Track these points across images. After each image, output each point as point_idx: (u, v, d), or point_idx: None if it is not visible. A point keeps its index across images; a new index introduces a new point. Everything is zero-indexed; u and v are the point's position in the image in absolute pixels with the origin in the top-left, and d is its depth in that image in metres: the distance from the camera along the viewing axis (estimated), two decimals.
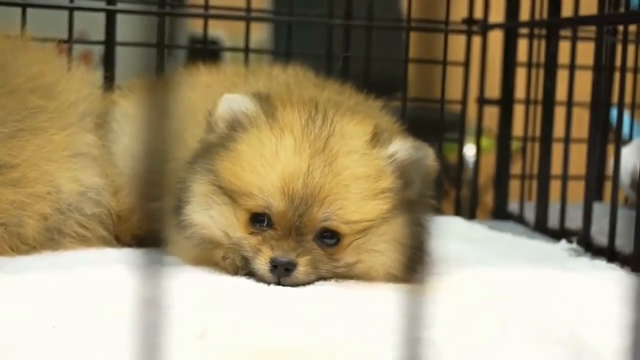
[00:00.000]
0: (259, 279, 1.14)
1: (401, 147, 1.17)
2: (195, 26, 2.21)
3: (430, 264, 1.23)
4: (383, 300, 1.06)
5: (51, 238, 1.31)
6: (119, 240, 1.40)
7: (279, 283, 1.13)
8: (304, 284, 1.14)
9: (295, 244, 1.12)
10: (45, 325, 0.92)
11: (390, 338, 0.63)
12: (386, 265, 1.17)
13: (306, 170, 1.11)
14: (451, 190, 2.26)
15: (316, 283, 1.16)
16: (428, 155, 1.18)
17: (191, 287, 1.12)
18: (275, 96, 1.22)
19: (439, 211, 1.39)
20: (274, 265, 1.12)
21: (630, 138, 1.94)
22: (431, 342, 0.91)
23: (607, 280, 1.25)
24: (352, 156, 1.14)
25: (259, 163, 1.13)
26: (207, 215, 1.18)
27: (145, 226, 1.39)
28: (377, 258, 1.16)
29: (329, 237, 1.14)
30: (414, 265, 1.18)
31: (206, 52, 1.81)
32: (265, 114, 1.17)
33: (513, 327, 1.00)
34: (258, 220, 1.15)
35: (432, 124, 1.87)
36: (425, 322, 0.97)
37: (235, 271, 1.17)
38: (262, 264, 1.13)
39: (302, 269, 1.12)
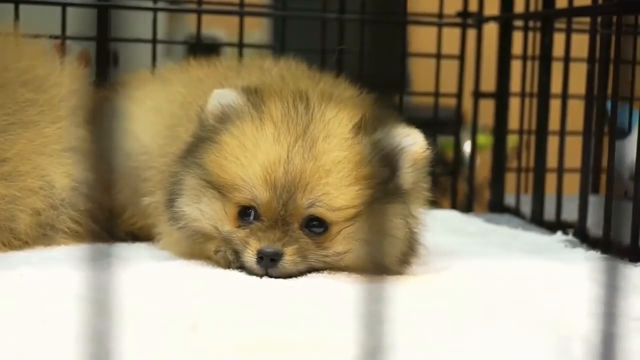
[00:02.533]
0: (249, 272, 1.14)
1: (387, 134, 1.14)
2: (193, 25, 2.21)
3: (424, 257, 1.22)
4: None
5: (44, 233, 1.31)
6: (113, 235, 1.39)
7: (267, 274, 1.12)
8: (292, 274, 1.13)
9: (282, 234, 1.12)
10: (34, 320, 0.92)
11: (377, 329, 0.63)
12: (377, 256, 1.16)
13: (286, 158, 1.11)
14: (448, 185, 2.26)
15: (308, 275, 1.15)
16: (417, 143, 1.15)
17: (182, 280, 1.12)
18: (264, 89, 1.21)
19: (435, 204, 1.37)
20: (261, 257, 1.11)
21: (629, 130, 1.93)
22: (418, 331, 0.92)
23: (598, 270, 1.24)
24: (333, 141, 1.13)
25: (242, 154, 1.13)
26: (197, 209, 1.18)
27: (138, 221, 1.39)
28: (368, 248, 1.15)
29: (317, 226, 1.13)
30: (406, 257, 1.17)
31: (203, 49, 1.80)
32: (251, 106, 1.17)
33: (504, 314, 1.01)
34: (246, 213, 1.15)
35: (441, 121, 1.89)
36: (410, 312, 0.97)
37: (227, 265, 1.17)
38: (249, 256, 1.12)
39: (288, 259, 1.12)
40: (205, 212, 1.17)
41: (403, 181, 1.16)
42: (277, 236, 1.12)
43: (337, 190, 1.11)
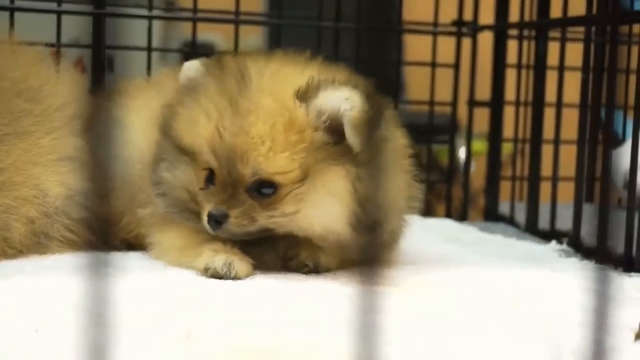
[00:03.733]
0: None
1: (325, 99, 1.16)
2: (189, 31, 2.21)
3: (385, 225, 1.21)
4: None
5: (38, 242, 1.30)
6: (108, 244, 1.39)
7: (217, 236, 1.20)
8: (239, 234, 1.19)
9: (228, 197, 1.17)
10: (28, 329, 0.92)
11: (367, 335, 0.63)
12: (325, 217, 1.18)
13: (221, 133, 1.16)
14: (443, 191, 2.26)
15: (303, 279, 1.18)
16: (354, 106, 1.14)
17: (176, 288, 1.12)
18: (226, 61, 1.26)
19: (429, 210, 1.38)
20: (209, 218, 1.18)
21: (623, 139, 1.94)
22: (411, 340, 0.92)
23: (591, 280, 1.24)
24: (264, 110, 1.16)
25: (192, 124, 1.20)
26: (173, 174, 1.25)
27: (134, 230, 1.39)
28: (315, 209, 1.18)
29: (267, 187, 1.17)
30: (361, 222, 1.16)
31: (197, 55, 1.80)
32: (204, 79, 1.23)
33: (496, 324, 1.01)
34: (209, 177, 1.21)
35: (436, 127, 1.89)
36: (403, 321, 0.98)
37: (219, 278, 1.19)
38: (204, 218, 1.19)
39: (233, 221, 1.17)
40: (178, 177, 1.24)
41: (351, 144, 1.16)
42: (223, 199, 1.18)
43: (270, 158, 1.15)
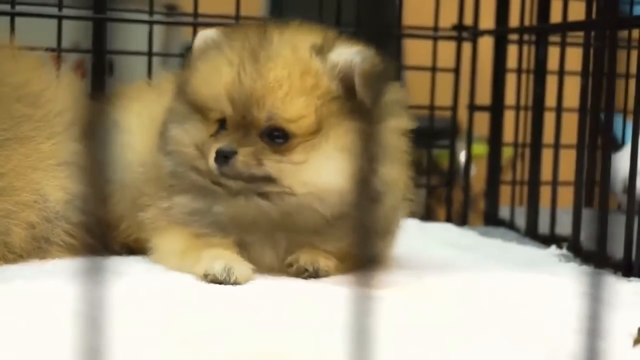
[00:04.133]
0: (210, 177, 1.23)
1: (341, 51, 1.21)
2: (190, 35, 2.21)
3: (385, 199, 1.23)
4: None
5: (38, 247, 1.31)
6: (108, 248, 1.40)
7: (222, 174, 1.20)
8: (244, 174, 1.19)
9: (240, 138, 1.20)
10: (27, 333, 0.92)
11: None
12: (332, 172, 1.20)
13: (241, 78, 1.20)
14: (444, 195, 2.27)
15: (302, 283, 1.20)
16: (365, 59, 1.19)
17: (174, 292, 1.13)
18: (246, 25, 1.35)
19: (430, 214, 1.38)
20: (218, 155, 1.20)
21: (623, 143, 1.94)
22: (408, 345, 0.92)
23: (590, 285, 1.24)
24: (281, 60, 1.20)
25: (209, 77, 1.24)
26: (183, 129, 1.27)
27: (134, 233, 1.39)
28: (323, 161, 1.20)
29: (279, 137, 1.20)
30: (365, 187, 1.17)
31: None
32: (223, 41, 1.27)
33: (494, 329, 1.01)
34: (222, 125, 1.23)
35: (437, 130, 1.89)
36: (400, 326, 0.98)
37: (219, 284, 1.19)
38: (211, 157, 1.20)
39: (241, 159, 1.19)
40: (188, 131, 1.26)
41: (361, 97, 1.19)
42: (235, 138, 1.20)
43: (287, 103, 1.19)
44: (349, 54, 1.20)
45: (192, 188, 1.27)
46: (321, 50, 1.22)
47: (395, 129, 1.28)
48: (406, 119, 1.30)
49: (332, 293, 1.15)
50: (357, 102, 1.20)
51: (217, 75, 1.23)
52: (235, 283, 1.18)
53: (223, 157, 1.19)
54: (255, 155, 1.20)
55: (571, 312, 1.06)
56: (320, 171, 1.20)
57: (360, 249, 0.61)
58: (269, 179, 1.20)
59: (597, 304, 0.69)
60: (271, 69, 1.20)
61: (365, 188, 1.15)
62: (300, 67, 1.20)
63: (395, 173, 1.25)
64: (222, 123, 1.23)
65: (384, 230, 1.29)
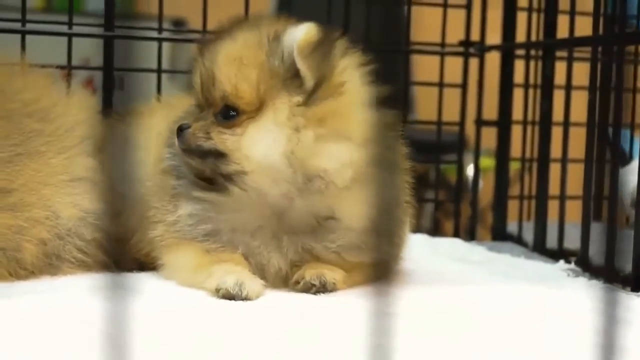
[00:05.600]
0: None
1: (290, 32, 1.25)
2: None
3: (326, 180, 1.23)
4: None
5: (50, 263, 1.31)
6: (119, 265, 1.40)
7: (182, 151, 1.29)
8: (192, 146, 1.27)
9: (199, 117, 1.29)
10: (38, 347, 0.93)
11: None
12: (265, 144, 1.23)
13: (204, 61, 1.30)
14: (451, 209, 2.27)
15: (313, 300, 1.21)
16: (302, 30, 1.24)
17: (188, 310, 1.13)
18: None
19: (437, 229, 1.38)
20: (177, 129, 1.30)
21: (631, 157, 1.94)
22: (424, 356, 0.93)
23: (600, 300, 1.24)
24: (238, 43, 1.28)
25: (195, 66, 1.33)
26: (185, 118, 1.33)
27: (145, 248, 1.40)
28: (258, 133, 1.24)
29: (229, 112, 1.26)
30: (301, 166, 1.22)
31: None
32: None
33: (503, 345, 1.01)
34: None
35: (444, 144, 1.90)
36: (411, 341, 0.98)
37: (231, 299, 1.20)
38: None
39: (190, 130, 1.28)
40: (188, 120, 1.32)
41: (303, 75, 1.23)
42: (194, 117, 1.30)
43: (231, 81, 1.25)
44: (294, 32, 1.24)
45: (189, 186, 1.31)
46: (277, 34, 1.26)
47: (357, 99, 1.27)
48: (368, 86, 1.28)
49: (343, 307, 1.15)
50: (300, 80, 1.23)
51: (198, 62, 1.32)
52: (247, 298, 1.19)
53: (180, 131, 1.28)
54: (204, 129, 1.27)
55: (584, 328, 1.07)
56: (255, 142, 1.24)
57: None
58: (218, 153, 1.25)
59: (610, 320, 0.69)
60: (226, 51, 1.28)
61: (299, 170, 1.20)
62: (251, 49, 1.26)
63: (353, 155, 1.24)
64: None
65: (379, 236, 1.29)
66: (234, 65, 1.26)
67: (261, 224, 1.27)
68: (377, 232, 1.27)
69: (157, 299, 1.18)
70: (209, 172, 1.28)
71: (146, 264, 1.39)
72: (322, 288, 1.25)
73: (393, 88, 1.81)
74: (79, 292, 1.18)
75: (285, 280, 1.28)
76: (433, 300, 1.24)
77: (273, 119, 1.23)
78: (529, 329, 1.10)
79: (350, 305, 1.18)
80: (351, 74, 1.27)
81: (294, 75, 1.24)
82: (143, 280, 1.30)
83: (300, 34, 1.23)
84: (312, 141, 1.22)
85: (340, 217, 1.26)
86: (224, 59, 1.27)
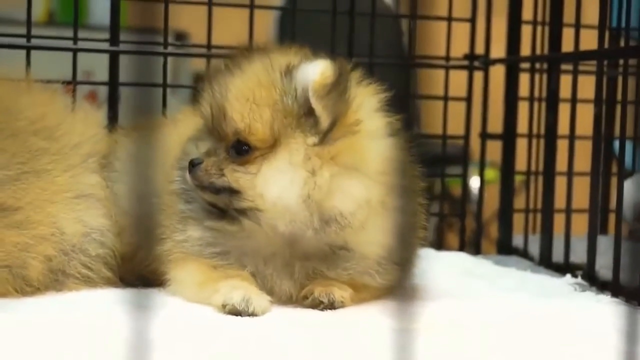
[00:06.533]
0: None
1: (303, 68, 1.22)
2: (199, 63, 2.22)
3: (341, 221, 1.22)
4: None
5: (55, 279, 1.31)
6: (124, 280, 1.40)
7: (195, 186, 1.27)
8: (205, 182, 1.25)
9: (210, 150, 1.27)
10: None
11: None
12: (280, 184, 1.21)
13: (214, 94, 1.27)
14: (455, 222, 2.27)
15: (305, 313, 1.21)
16: (317, 72, 1.20)
17: (195, 327, 1.13)
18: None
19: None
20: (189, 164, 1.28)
21: (633, 170, 1.94)
22: None
23: (608, 314, 1.24)
24: (249, 77, 1.25)
25: (204, 95, 1.31)
26: (195, 145, 1.32)
27: (149, 266, 1.39)
28: (272, 172, 1.22)
29: (244, 149, 1.24)
30: (316, 206, 1.21)
31: None
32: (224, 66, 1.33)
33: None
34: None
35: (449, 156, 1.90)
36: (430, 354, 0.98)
37: (237, 315, 1.20)
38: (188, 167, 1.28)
39: (203, 166, 1.25)
40: (200, 148, 1.31)
41: (317, 114, 1.21)
42: (206, 151, 1.27)
43: (245, 117, 1.23)
44: (305, 70, 1.22)
45: (203, 216, 1.29)
46: (289, 69, 1.23)
47: (372, 133, 1.26)
48: (383, 117, 1.28)
49: (354, 324, 1.15)
50: (314, 119, 1.21)
51: (207, 93, 1.29)
52: (253, 314, 1.19)
53: (192, 166, 1.26)
54: (217, 165, 1.25)
55: (591, 344, 1.07)
56: (269, 182, 1.22)
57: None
58: (232, 190, 1.24)
59: (626, 337, 0.69)
60: (237, 86, 1.25)
61: (314, 209, 1.19)
62: (264, 85, 1.23)
63: (370, 192, 1.23)
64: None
65: (393, 262, 1.29)
66: (247, 103, 1.23)
67: (273, 251, 1.27)
68: (392, 259, 1.29)
69: (163, 315, 1.17)
70: (221, 205, 1.27)
71: (151, 280, 1.39)
72: (330, 306, 1.25)
73: (398, 101, 1.82)
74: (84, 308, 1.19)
75: (292, 298, 1.28)
76: (448, 316, 1.23)
77: (288, 160, 1.21)
78: (538, 345, 1.10)
79: (361, 322, 1.17)
80: (366, 109, 1.26)
81: (308, 113, 1.22)
82: (147, 296, 1.29)
83: (315, 73, 1.20)
84: (328, 182, 1.20)
85: (354, 248, 1.26)
86: (235, 96, 1.25)
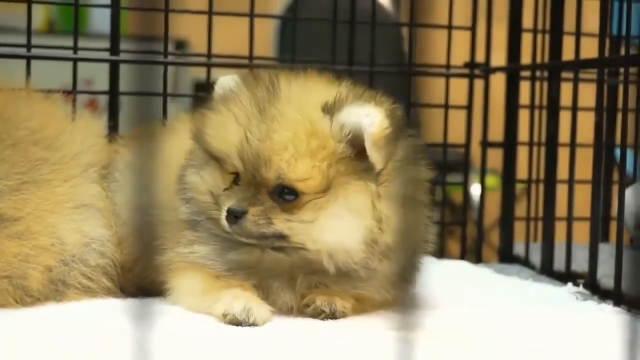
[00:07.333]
0: (224, 231, 1.23)
1: (350, 112, 1.20)
2: (199, 71, 2.22)
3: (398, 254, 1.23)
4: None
5: (55, 289, 1.31)
6: (124, 290, 1.40)
7: (234, 232, 1.21)
8: (254, 233, 1.20)
9: (251, 196, 1.20)
10: None
11: None
12: (340, 231, 1.20)
13: (248, 138, 1.20)
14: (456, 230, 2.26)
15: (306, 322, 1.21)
16: (374, 123, 1.18)
17: (180, 338, 1.12)
18: (260, 74, 1.31)
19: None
20: (228, 214, 1.20)
21: (634, 178, 1.94)
22: None
23: (611, 323, 1.24)
24: (288, 120, 1.20)
25: (221, 130, 1.25)
26: (200, 176, 1.28)
27: (149, 276, 1.39)
28: (332, 220, 1.19)
29: (288, 194, 1.20)
30: (375, 245, 1.20)
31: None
32: (237, 89, 1.28)
33: None
34: (236, 179, 1.24)
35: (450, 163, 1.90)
36: None
37: (237, 325, 1.19)
38: (223, 215, 1.21)
39: (251, 218, 1.19)
40: (205, 179, 1.27)
41: (372, 160, 1.20)
42: (245, 197, 1.20)
43: (292, 164, 1.18)
44: (358, 115, 1.19)
45: (210, 237, 1.28)
46: (330, 110, 1.21)
47: (414, 180, 1.27)
48: (424, 168, 1.30)
49: (353, 334, 1.14)
50: (366, 162, 1.20)
51: (227, 132, 1.23)
52: (254, 324, 1.19)
53: (233, 216, 1.20)
54: (264, 214, 1.20)
55: (602, 353, 1.06)
56: (328, 231, 1.20)
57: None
58: (280, 236, 1.21)
59: (628, 346, 0.69)
60: (277, 130, 1.19)
61: (374, 248, 1.18)
62: (306, 128, 1.20)
63: (412, 223, 1.22)
64: (236, 176, 1.24)
65: (401, 278, 1.29)
66: (293, 144, 1.18)
67: (281, 269, 1.26)
68: (404, 277, 1.29)
69: (163, 324, 1.17)
70: (259, 244, 1.23)
71: (151, 290, 1.38)
72: (331, 315, 1.25)
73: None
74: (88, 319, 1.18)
75: (292, 309, 1.28)
76: (449, 325, 1.22)
77: (347, 206, 1.19)
78: (549, 355, 1.10)
79: (362, 331, 1.17)
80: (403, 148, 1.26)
81: (359, 158, 1.20)
82: (147, 306, 1.29)
83: (373, 124, 1.17)
84: (391, 224, 1.20)
85: (377, 268, 1.25)
86: (279, 141, 1.19)
